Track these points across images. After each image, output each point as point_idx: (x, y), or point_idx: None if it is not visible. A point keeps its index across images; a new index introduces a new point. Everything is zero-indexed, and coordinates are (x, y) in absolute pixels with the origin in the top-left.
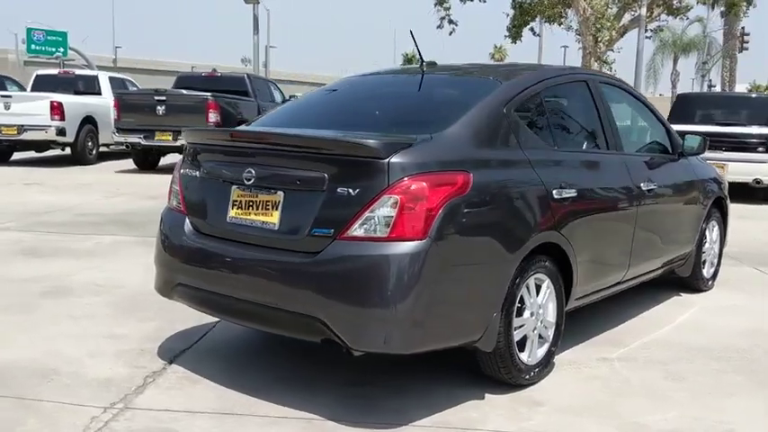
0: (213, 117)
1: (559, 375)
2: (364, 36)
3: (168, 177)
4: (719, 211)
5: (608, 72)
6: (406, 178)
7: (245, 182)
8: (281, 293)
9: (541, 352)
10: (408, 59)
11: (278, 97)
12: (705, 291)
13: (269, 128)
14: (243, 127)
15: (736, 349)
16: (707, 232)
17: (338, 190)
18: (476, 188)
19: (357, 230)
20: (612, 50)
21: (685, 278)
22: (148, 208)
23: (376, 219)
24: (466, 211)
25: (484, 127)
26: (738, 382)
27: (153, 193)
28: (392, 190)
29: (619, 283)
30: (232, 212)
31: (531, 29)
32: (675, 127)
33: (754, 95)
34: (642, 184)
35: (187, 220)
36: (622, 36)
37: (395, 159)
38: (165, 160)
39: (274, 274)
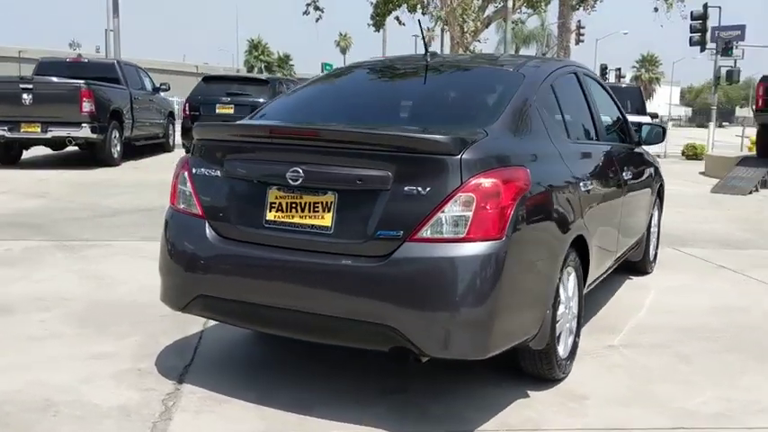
0: (87, 106)
1: (582, 366)
2: (206, 20)
3: (34, 173)
4: (659, 197)
5: None
6: (479, 175)
7: (291, 182)
8: (344, 301)
9: (570, 344)
10: (254, 45)
11: (148, 85)
12: (650, 273)
13: (310, 123)
14: (275, 122)
15: (714, 329)
16: (653, 217)
17: (405, 189)
18: (533, 183)
19: (430, 231)
20: (479, 41)
21: (636, 261)
22: (43, 207)
23: (451, 218)
24: (529, 207)
25: (524, 120)
26: (739, 361)
27: (35, 191)
28: (466, 188)
29: (607, 270)
30: (270, 215)
31: (397, 18)
32: None
33: (623, 85)
34: (623, 173)
35: (207, 225)
36: (487, 27)
37: (467, 156)
38: (29, 154)
39: (335, 281)
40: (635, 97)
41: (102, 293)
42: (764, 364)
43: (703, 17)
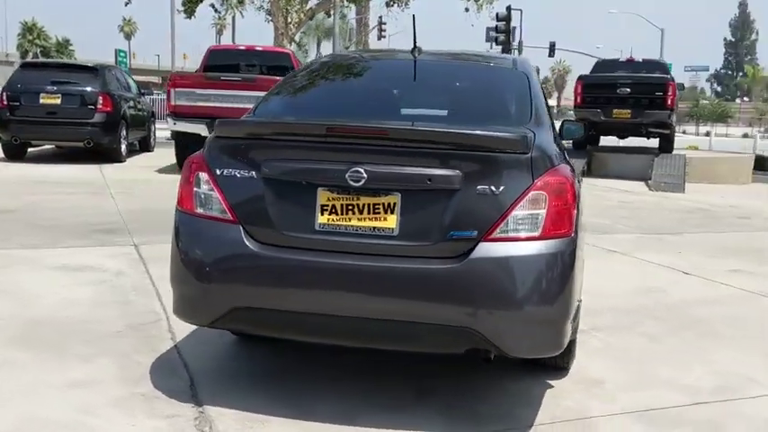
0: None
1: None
2: None
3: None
4: None
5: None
6: (546, 174)
7: (352, 183)
8: (418, 304)
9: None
10: (28, 29)
11: (134, 87)
12: None
13: (366, 121)
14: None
15: (652, 309)
16: None
17: (478, 188)
18: (574, 179)
19: (506, 230)
20: (304, 33)
21: None
22: None
23: (525, 217)
24: (578, 202)
25: (547, 118)
26: (697, 338)
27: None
28: (537, 186)
29: None
30: (322, 219)
31: (212, 5)
32: None
33: None
34: None
35: (242, 230)
36: (311, 19)
37: (535, 154)
38: None
39: (406, 284)
40: None
41: (30, 311)
42: (719, 339)
43: (507, 19)
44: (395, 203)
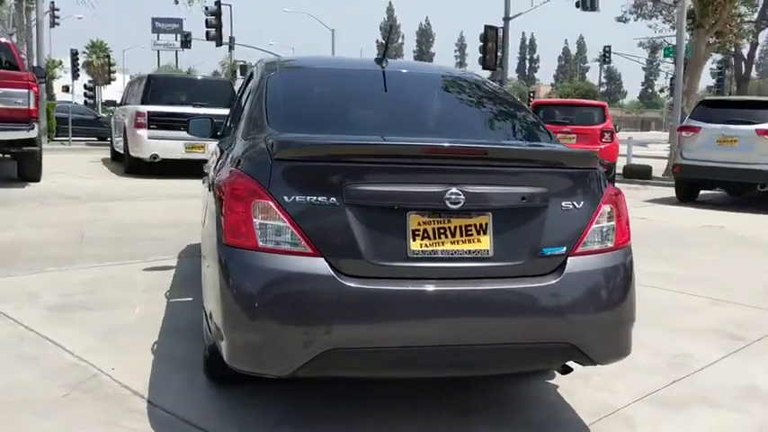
0: None
1: None
2: None
3: None
4: None
5: None
6: (608, 187)
7: (450, 206)
8: (523, 325)
9: None
10: None
11: None
12: None
13: (458, 140)
14: (391, 140)
15: None
16: None
17: (563, 204)
18: None
19: (589, 244)
20: None
21: None
22: None
23: (602, 230)
24: None
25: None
26: None
27: None
28: (606, 200)
29: None
30: (415, 244)
31: None
32: (152, 108)
33: (213, 78)
34: None
35: (326, 263)
36: None
37: (600, 168)
38: None
39: (511, 306)
40: (225, 90)
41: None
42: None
43: (218, 13)
44: (487, 224)
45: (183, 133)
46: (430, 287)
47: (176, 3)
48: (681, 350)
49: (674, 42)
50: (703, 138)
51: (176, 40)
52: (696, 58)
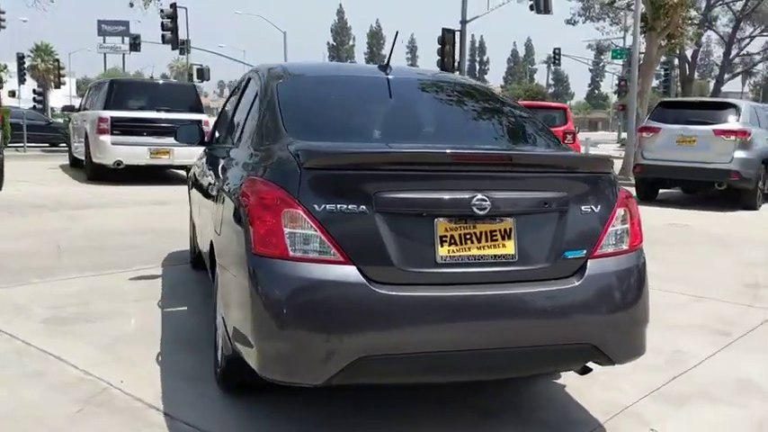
0: None
1: None
2: None
3: None
4: None
5: None
6: (620, 191)
7: (477, 212)
8: (549, 328)
9: None
10: None
11: None
12: None
13: (472, 147)
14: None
15: None
16: None
17: (582, 208)
18: None
19: (606, 247)
20: None
21: None
22: None
23: (618, 232)
24: None
25: None
26: None
27: None
28: (619, 203)
29: None
30: (443, 250)
31: None
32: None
33: (177, 82)
34: None
35: (355, 271)
36: None
37: (613, 172)
38: None
39: (538, 309)
40: (189, 95)
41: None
42: None
43: (173, 16)
44: (511, 229)
45: (148, 138)
46: (459, 292)
47: (131, 5)
48: (676, 347)
49: (620, 44)
50: (663, 138)
51: (123, 42)
52: (648, 60)
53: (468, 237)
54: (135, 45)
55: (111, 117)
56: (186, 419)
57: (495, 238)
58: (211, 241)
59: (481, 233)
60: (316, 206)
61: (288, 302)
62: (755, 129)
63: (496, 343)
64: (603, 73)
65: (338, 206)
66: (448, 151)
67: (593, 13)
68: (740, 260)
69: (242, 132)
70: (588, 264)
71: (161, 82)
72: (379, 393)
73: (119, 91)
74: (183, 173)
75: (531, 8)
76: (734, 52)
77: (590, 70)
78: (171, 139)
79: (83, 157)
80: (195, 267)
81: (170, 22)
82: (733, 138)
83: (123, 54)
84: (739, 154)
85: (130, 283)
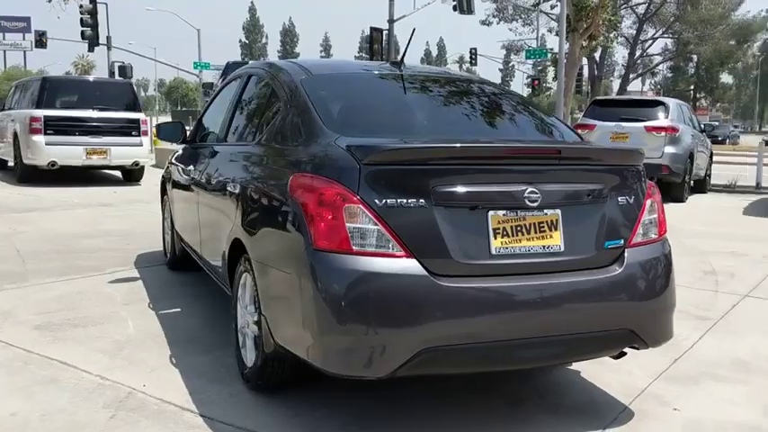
0: None
1: None
2: None
3: None
4: None
5: None
6: (648, 182)
7: (529, 204)
8: (596, 314)
9: None
10: None
11: None
12: None
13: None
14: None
15: None
16: None
17: (619, 199)
18: None
19: (640, 236)
20: None
21: None
22: None
23: (649, 222)
24: None
25: None
26: None
27: None
28: (648, 194)
29: None
30: (496, 242)
31: None
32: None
33: (113, 80)
34: None
35: (419, 264)
36: None
37: (643, 165)
38: None
39: (586, 297)
40: (125, 92)
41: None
42: None
43: (93, 12)
44: (557, 220)
45: (84, 138)
46: (512, 283)
47: (49, 1)
48: None
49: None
50: (597, 135)
51: (24, 39)
52: (572, 60)
53: (518, 228)
54: (41, 42)
55: (45, 116)
56: (224, 420)
57: (542, 229)
58: (235, 241)
59: (530, 225)
60: (376, 201)
61: (352, 296)
62: (682, 125)
63: (548, 331)
64: (514, 73)
65: (398, 201)
66: (503, 145)
67: (506, 15)
68: (687, 249)
69: (256, 130)
70: (626, 252)
71: (93, 79)
72: (411, 385)
73: (51, 89)
74: (116, 174)
75: (455, 8)
76: (638, 53)
77: (500, 70)
78: (107, 139)
79: (8, 158)
80: (174, 269)
81: (90, 18)
82: (663, 134)
83: (24, 51)
84: (669, 149)
85: (112, 287)
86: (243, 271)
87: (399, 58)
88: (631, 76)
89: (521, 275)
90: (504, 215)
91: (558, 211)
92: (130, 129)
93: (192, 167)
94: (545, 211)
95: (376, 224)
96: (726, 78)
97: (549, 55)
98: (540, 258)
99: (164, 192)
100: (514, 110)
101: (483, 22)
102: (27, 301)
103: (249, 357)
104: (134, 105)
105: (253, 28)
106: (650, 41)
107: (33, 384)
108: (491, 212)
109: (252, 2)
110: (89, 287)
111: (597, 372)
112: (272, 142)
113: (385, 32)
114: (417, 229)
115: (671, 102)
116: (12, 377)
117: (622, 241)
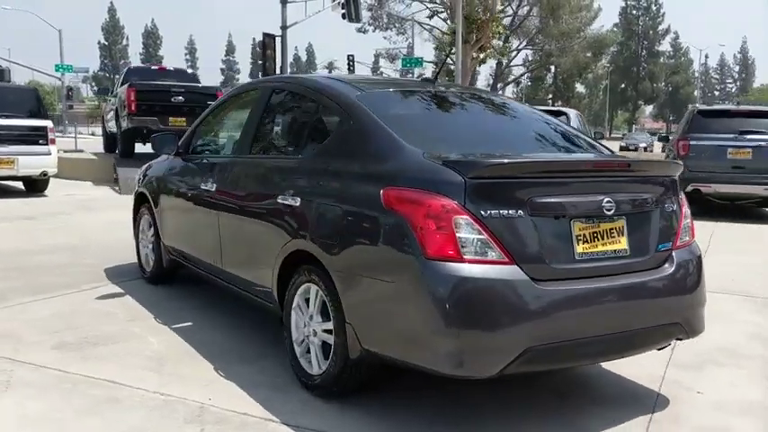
0: None
1: None
2: None
3: None
4: None
5: None
6: (680, 192)
7: (606, 212)
8: (660, 310)
9: None
10: None
11: None
12: None
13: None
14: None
15: None
16: None
17: (665, 206)
18: None
19: (681, 239)
20: None
21: None
22: None
23: (686, 227)
24: None
25: None
26: None
27: None
28: (682, 201)
29: None
30: (579, 248)
31: None
32: None
33: (14, 85)
34: None
35: (519, 270)
36: None
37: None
38: None
39: (652, 295)
40: (30, 99)
41: None
42: None
43: None
44: (623, 227)
45: None
46: (595, 285)
47: None
48: None
49: (404, 53)
50: None
51: None
52: (464, 70)
53: (595, 235)
54: None
55: None
56: (309, 427)
57: (612, 235)
58: (293, 253)
59: (604, 231)
60: (481, 212)
61: (464, 300)
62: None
63: (622, 327)
64: None
65: (501, 211)
66: (588, 159)
67: (381, 23)
68: None
69: (298, 143)
70: (673, 254)
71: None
72: (470, 383)
73: None
74: (16, 184)
75: (344, 17)
76: (504, 62)
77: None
78: (14, 147)
79: None
80: (156, 283)
81: None
82: None
83: None
84: None
85: (103, 303)
86: (303, 282)
87: (433, 75)
88: (499, 85)
89: (598, 277)
90: (584, 223)
91: (624, 218)
92: (37, 137)
93: (199, 179)
94: (615, 218)
95: (482, 233)
96: (579, 88)
97: (425, 64)
98: (611, 261)
99: (138, 206)
100: (555, 124)
101: (359, 30)
102: (22, 321)
103: (316, 365)
104: (39, 112)
105: (113, 29)
106: (515, 52)
107: (94, 404)
108: (574, 221)
109: (111, 2)
110: (78, 305)
111: (613, 363)
112: (332, 156)
113: (278, 39)
114: (517, 237)
115: (571, 112)
116: (69, 399)
117: (670, 244)
